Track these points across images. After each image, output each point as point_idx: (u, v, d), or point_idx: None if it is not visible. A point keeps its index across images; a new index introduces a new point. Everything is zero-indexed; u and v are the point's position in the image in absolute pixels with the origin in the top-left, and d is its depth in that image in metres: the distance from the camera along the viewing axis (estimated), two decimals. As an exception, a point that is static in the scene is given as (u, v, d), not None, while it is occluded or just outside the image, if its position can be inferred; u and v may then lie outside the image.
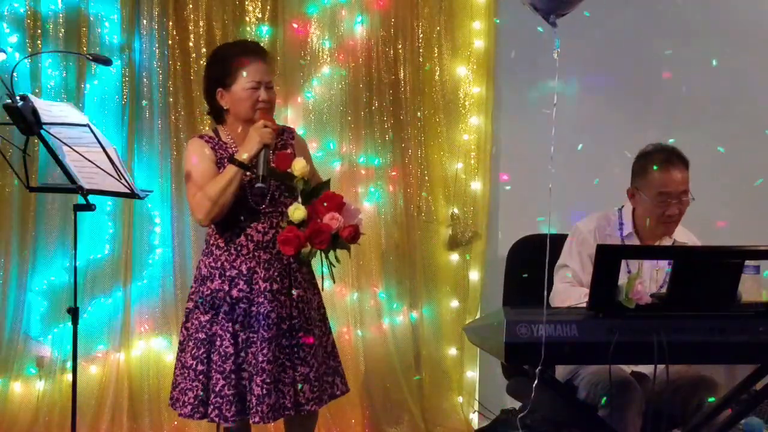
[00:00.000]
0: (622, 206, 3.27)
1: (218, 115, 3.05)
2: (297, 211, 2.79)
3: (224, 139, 3.01)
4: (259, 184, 2.82)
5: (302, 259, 2.84)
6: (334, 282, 3.04)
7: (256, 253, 2.95)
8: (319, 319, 3.10)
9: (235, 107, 2.97)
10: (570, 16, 2.51)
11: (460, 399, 4.33)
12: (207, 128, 4.10)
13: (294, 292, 3.00)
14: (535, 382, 2.37)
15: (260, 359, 2.89)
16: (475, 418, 4.34)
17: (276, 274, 2.97)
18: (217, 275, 2.96)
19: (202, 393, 2.93)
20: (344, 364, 4.12)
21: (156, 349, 4.14)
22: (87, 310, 4.03)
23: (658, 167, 3.11)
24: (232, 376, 2.89)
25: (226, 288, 2.94)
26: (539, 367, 2.36)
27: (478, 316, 4.25)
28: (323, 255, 2.87)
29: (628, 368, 3.06)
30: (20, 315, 4.05)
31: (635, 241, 3.21)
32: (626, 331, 2.41)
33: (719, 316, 2.48)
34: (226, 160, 2.94)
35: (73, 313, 2.94)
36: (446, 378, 4.32)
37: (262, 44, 4.10)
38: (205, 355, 2.94)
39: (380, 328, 4.29)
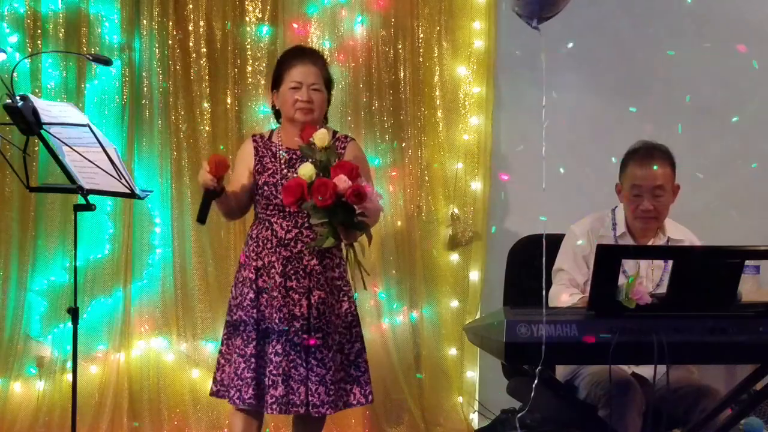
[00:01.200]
0: (616, 207, 3.28)
1: (278, 115, 3.23)
2: (304, 168, 2.79)
3: (273, 139, 3.15)
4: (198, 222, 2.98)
5: (314, 245, 2.88)
6: (364, 286, 3.02)
7: (278, 249, 3.05)
8: (344, 326, 3.13)
9: (282, 107, 3.15)
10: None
11: (460, 399, 4.33)
12: (208, 128, 4.14)
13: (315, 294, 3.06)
14: (535, 382, 2.37)
15: (269, 351, 3.00)
16: (475, 418, 4.34)
17: (292, 272, 3.04)
18: (247, 264, 3.10)
19: (219, 373, 3.09)
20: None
21: (156, 349, 4.14)
22: (87, 310, 4.04)
23: (635, 161, 3.13)
24: (252, 360, 2.99)
25: (253, 277, 3.06)
26: (539, 367, 2.36)
27: (478, 316, 4.25)
28: (352, 254, 2.87)
29: (628, 369, 3.06)
30: (20, 315, 4.06)
31: (629, 241, 3.21)
32: (626, 331, 2.41)
33: (719, 316, 2.48)
34: (266, 159, 3.11)
35: (73, 313, 2.94)
36: (446, 378, 4.32)
37: (261, 43, 4.15)
38: (226, 337, 3.09)
39: (380, 328, 4.29)
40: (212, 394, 3.14)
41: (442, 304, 4.37)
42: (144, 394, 4.09)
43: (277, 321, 2.99)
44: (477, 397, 4.36)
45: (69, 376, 3.87)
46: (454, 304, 4.37)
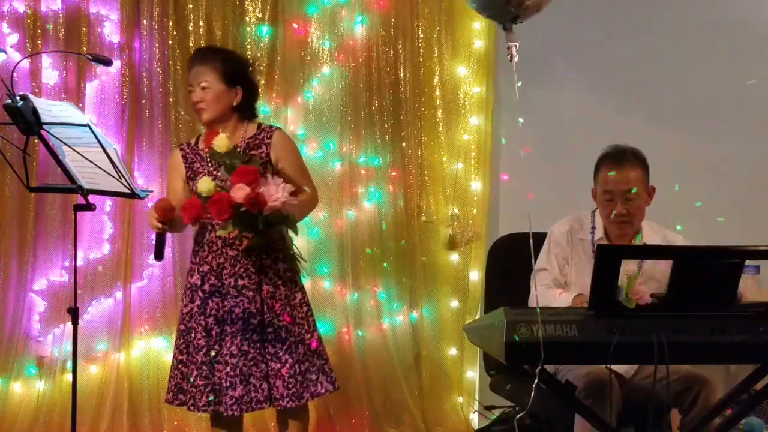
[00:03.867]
0: (596, 209, 3.28)
1: None
2: (202, 183, 2.82)
3: (201, 145, 3.12)
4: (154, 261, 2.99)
5: (244, 247, 2.92)
6: (300, 271, 3.06)
7: (224, 250, 3.04)
8: (300, 317, 3.11)
9: None
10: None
11: (460, 399, 4.33)
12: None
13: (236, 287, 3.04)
14: (536, 381, 2.37)
15: (225, 352, 2.99)
16: (475, 418, 4.34)
17: (242, 270, 3.03)
18: (195, 270, 3.08)
19: (181, 381, 3.07)
20: (344, 364, 4.15)
21: (156, 349, 4.14)
22: (87, 310, 4.04)
23: (606, 165, 3.14)
24: (204, 367, 3.00)
25: (199, 283, 3.06)
26: (539, 367, 2.36)
27: (478, 316, 4.25)
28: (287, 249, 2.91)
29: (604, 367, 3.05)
30: (20, 315, 4.05)
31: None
32: (626, 331, 2.41)
33: (719, 316, 2.48)
34: (196, 164, 3.08)
35: (73, 313, 2.94)
36: (446, 378, 4.33)
37: (261, 43, 4.15)
38: (184, 346, 3.08)
39: (380, 328, 4.29)
40: (180, 404, 3.08)
41: (442, 304, 4.37)
42: (144, 394, 4.09)
43: (229, 322, 2.99)
44: (477, 397, 4.36)
45: (69, 376, 3.87)
46: (454, 304, 4.37)
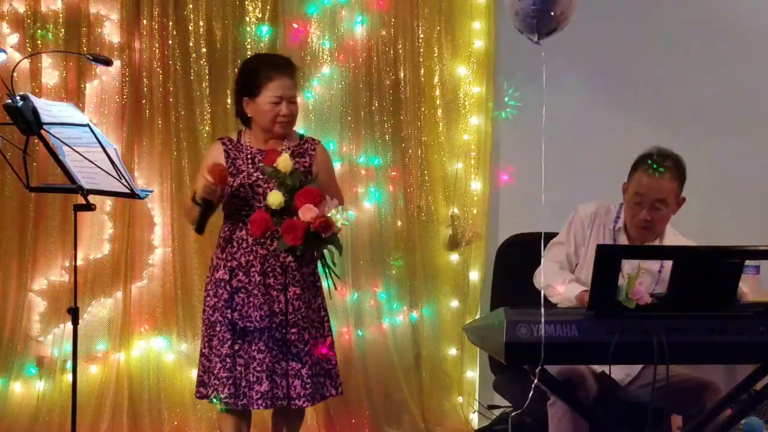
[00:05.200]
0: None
1: (245, 120, 3.19)
2: (273, 195, 2.91)
3: (243, 142, 3.16)
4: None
5: (293, 253, 2.93)
6: (335, 287, 3.08)
7: (254, 248, 3.08)
8: (318, 321, 3.18)
9: (257, 117, 3.13)
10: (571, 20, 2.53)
11: (460, 399, 4.33)
12: (208, 128, 4.13)
13: (290, 289, 3.09)
14: (535, 381, 2.37)
15: (252, 348, 3.05)
16: (475, 418, 4.34)
17: (270, 269, 3.08)
18: (222, 265, 3.12)
19: (203, 374, 3.13)
20: (344, 364, 4.16)
21: (156, 349, 4.14)
22: (87, 310, 4.04)
23: (644, 168, 3.11)
24: (227, 360, 3.05)
25: (227, 278, 3.09)
26: (539, 367, 2.36)
27: (478, 316, 4.25)
28: (322, 260, 2.97)
29: (599, 368, 3.05)
30: (20, 315, 4.05)
31: (623, 237, 3.20)
32: (626, 331, 2.41)
33: (719, 316, 2.48)
34: (239, 161, 3.10)
35: (73, 313, 2.94)
36: (446, 378, 4.33)
37: (261, 43, 4.15)
38: (207, 339, 3.12)
39: (380, 328, 4.29)
40: (201, 397, 3.17)
41: (442, 304, 4.37)
42: (144, 394, 4.09)
43: (258, 319, 3.05)
44: (477, 397, 4.36)
45: (69, 376, 3.87)
46: (454, 304, 4.37)
